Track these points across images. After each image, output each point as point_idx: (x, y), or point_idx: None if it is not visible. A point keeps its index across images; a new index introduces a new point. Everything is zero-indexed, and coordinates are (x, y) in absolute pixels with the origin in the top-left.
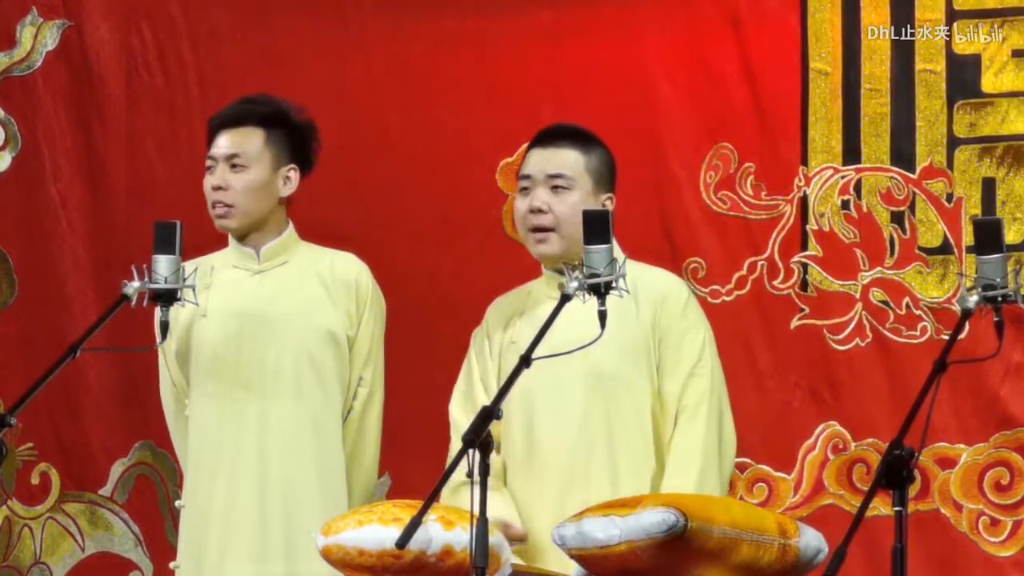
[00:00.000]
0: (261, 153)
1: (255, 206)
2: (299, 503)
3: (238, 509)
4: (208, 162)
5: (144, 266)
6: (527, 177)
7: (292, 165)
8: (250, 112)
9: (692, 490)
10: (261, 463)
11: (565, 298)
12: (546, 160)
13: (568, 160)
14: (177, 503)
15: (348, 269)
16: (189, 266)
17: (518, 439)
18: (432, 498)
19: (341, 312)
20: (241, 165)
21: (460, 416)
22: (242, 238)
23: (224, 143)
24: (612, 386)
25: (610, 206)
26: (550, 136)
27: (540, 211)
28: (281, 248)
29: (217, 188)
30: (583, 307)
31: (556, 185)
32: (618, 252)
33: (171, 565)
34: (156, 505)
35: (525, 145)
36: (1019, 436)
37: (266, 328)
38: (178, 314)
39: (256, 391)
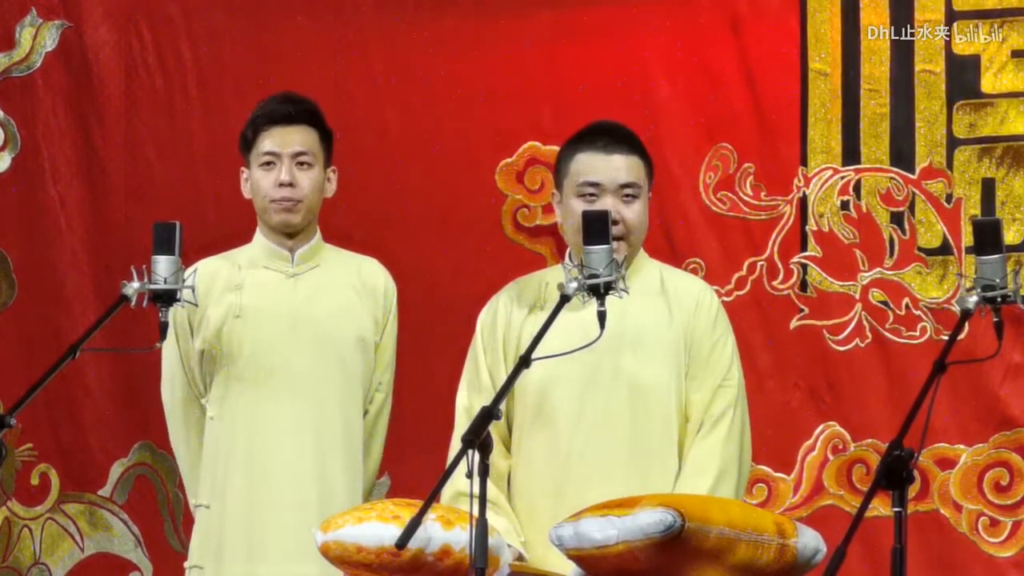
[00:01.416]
0: (319, 152)
1: (317, 204)
2: (331, 503)
3: (273, 510)
4: (266, 158)
5: (143, 267)
6: (595, 184)
7: (333, 166)
8: (304, 111)
9: (706, 494)
10: (295, 464)
11: (564, 299)
12: (615, 169)
13: (636, 168)
14: (194, 502)
15: (376, 276)
16: (207, 264)
17: (536, 437)
18: (432, 498)
19: (369, 318)
20: (307, 163)
21: (467, 408)
22: (286, 237)
23: (290, 140)
24: (637, 387)
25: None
26: (613, 140)
27: (615, 222)
28: (313, 252)
29: (286, 184)
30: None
31: (628, 194)
32: (643, 252)
33: (186, 565)
34: (156, 506)
35: (525, 145)
36: (1019, 437)
37: (301, 331)
38: (205, 315)
39: (290, 393)
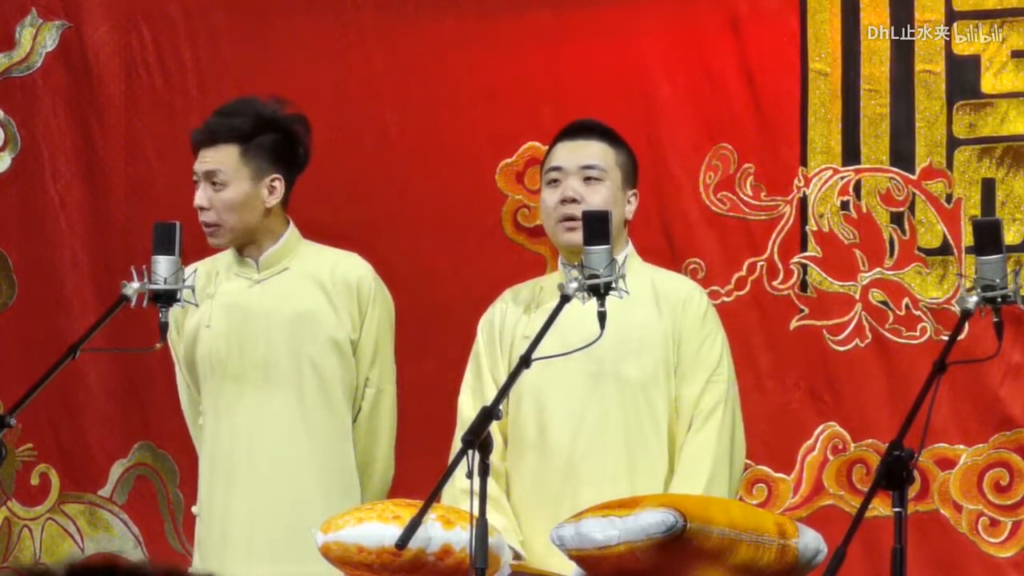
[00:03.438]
0: (238, 169)
1: (240, 221)
2: (304, 507)
3: (247, 514)
4: (194, 177)
5: (143, 267)
6: (557, 169)
7: (275, 175)
8: (224, 128)
9: (700, 493)
10: (265, 469)
11: (565, 299)
12: (577, 152)
13: (599, 152)
14: (193, 509)
15: (349, 272)
16: (199, 267)
17: (530, 440)
18: (432, 498)
19: (344, 316)
20: (220, 183)
21: (469, 412)
22: (239, 248)
23: (203, 160)
24: (630, 388)
25: (634, 203)
26: (579, 130)
27: (573, 201)
28: (280, 254)
29: (201, 208)
30: (594, 306)
31: (588, 176)
32: (634, 253)
33: (191, 571)
34: (156, 506)
35: (525, 145)
36: (1018, 437)
37: (268, 337)
38: (185, 323)
39: (259, 399)
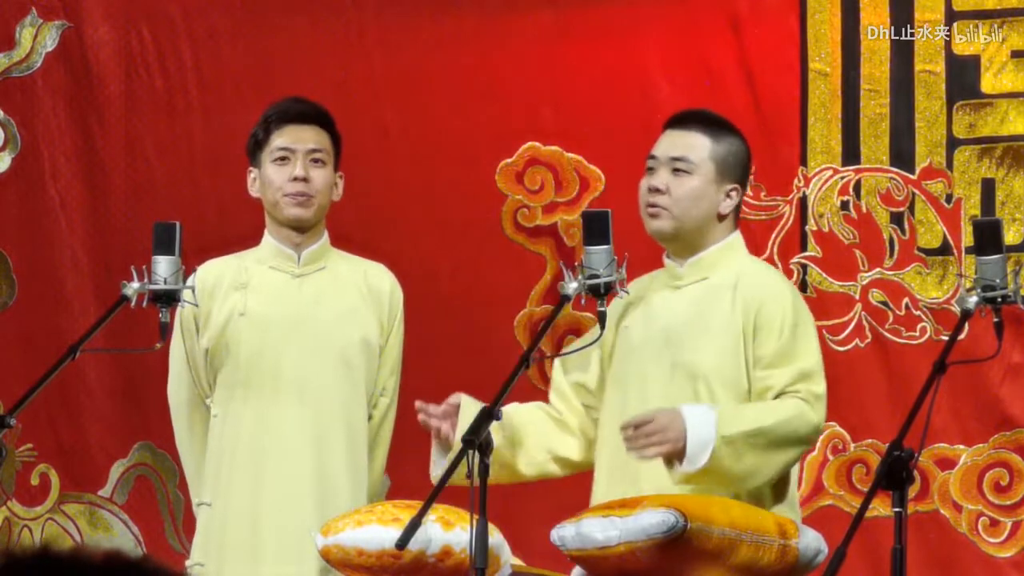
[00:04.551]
0: (331, 155)
1: (327, 204)
2: (334, 504)
3: (276, 511)
4: (280, 153)
5: (143, 267)
6: (653, 158)
7: (340, 172)
8: (320, 113)
9: (766, 421)
10: (298, 465)
11: (564, 299)
12: (673, 142)
13: (693, 144)
14: (196, 501)
15: (382, 281)
16: (215, 263)
17: (609, 432)
18: (432, 498)
19: (374, 321)
20: (321, 161)
21: (558, 375)
22: (296, 232)
23: (304, 137)
24: (692, 378)
25: (735, 197)
26: (682, 119)
27: (658, 191)
28: (320, 253)
29: (300, 179)
30: (679, 296)
31: (677, 168)
32: (734, 245)
33: (188, 563)
34: (156, 506)
35: (525, 145)
36: (1018, 437)
37: (306, 333)
38: (211, 317)
39: (293, 394)
